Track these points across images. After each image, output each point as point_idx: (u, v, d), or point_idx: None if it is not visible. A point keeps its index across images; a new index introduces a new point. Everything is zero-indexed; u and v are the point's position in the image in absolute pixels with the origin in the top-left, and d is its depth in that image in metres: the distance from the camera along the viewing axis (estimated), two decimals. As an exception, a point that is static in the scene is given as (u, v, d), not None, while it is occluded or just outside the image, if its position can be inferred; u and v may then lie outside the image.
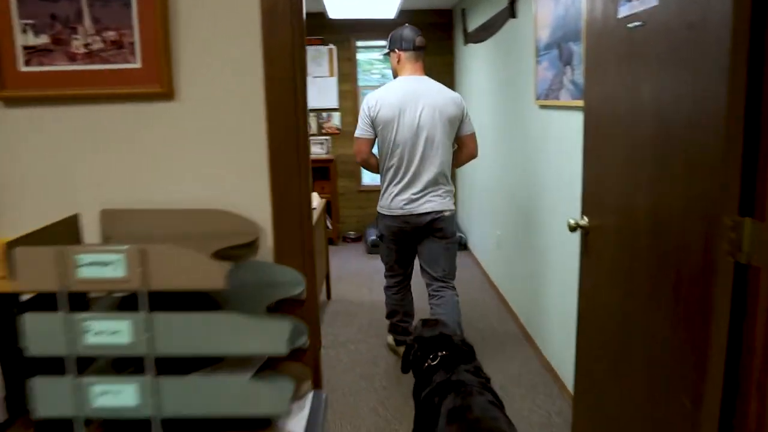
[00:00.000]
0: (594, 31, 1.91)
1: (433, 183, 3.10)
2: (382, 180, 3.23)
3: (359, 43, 6.60)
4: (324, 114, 6.55)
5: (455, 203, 3.26)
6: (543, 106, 3.20)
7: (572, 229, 2.01)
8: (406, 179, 3.10)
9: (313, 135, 6.57)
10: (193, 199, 1.37)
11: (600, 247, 1.93)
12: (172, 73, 1.33)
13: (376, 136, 3.17)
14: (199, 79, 1.35)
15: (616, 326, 1.82)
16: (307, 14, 1.50)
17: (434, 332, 2.23)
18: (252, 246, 1.32)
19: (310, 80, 6.20)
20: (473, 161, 3.36)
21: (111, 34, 1.31)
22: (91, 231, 1.33)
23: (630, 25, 1.60)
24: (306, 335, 1.22)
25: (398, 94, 3.08)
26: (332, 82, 6.47)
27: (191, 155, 1.37)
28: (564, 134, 2.87)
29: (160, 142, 1.37)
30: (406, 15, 5.73)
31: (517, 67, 3.81)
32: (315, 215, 3.78)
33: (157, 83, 1.32)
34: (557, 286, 3.08)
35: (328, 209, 6.41)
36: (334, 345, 3.76)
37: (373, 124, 3.12)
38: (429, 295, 3.27)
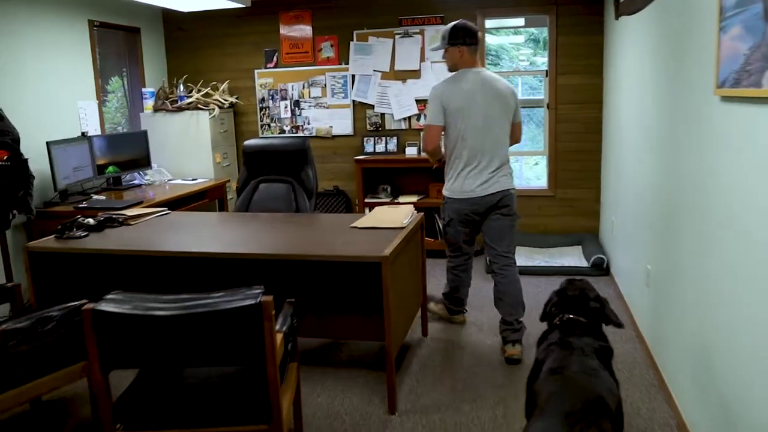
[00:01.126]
0: None
1: (501, 165, 3.43)
2: (451, 166, 3.49)
3: (488, 23, 5.64)
4: (442, 106, 5.68)
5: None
6: (728, 98, 2.11)
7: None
8: (481, 163, 3.39)
9: (429, 130, 5.73)
10: None
11: None
12: None
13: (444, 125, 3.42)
14: None
15: None
16: None
17: (574, 293, 2.27)
18: None
19: (426, 65, 5.35)
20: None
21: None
22: None
23: None
24: None
25: (468, 84, 3.36)
26: (453, 69, 5.57)
27: None
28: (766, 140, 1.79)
29: None
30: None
31: (685, 42, 2.70)
32: (406, 230, 3.10)
33: None
34: (755, 361, 1.99)
35: (443, 216, 5.55)
36: (412, 411, 2.92)
37: (445, 112, 3.37)
38: (494, 272, 3.56)
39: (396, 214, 3.38)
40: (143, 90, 5.72)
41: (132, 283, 3.20)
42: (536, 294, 4.33)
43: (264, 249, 2.86)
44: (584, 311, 2.19)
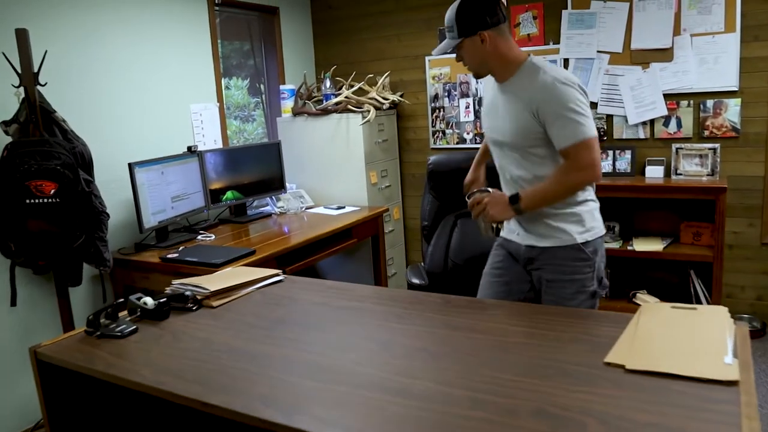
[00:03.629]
0: None
1: None
2: (584, 194, 2.03)
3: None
4: (708, 102, 3.66)
5: None
6: None
7: None
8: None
9: (686, 140, 3.74)
10: None
11: None
12: None
13: None
14: None
15: None
16: None
17: None
18: None
19: (684, 41, 3.41)
20: None
21: None
22: None
23: None
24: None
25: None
26: (729, 44, 3.54)
27: None
28: None
29: None
30: None
31: None
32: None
33: None
34: None
35: (706, 273, 3.57)
36: None
37: None
38: None
39: (695, 329, 1.55)
40: (281, 88, 4.38)
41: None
42: None
43: None
44: None
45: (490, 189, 2.05)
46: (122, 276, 3.05)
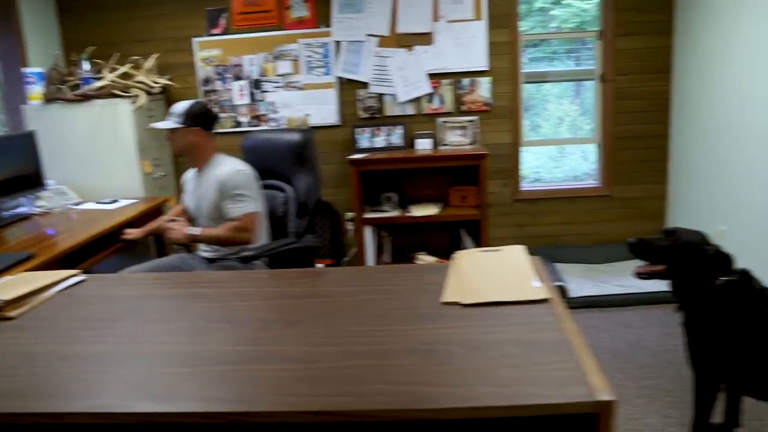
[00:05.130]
0: None
1: None
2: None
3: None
4: (464, 81, 4.14)
5: None
6: None
7: None
8: None
9: (448, 114, 4.19)
10: None
11: None
12: None
13: None
14: None
15: None
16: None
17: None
18: None
19: (441, 27, 3.80)
20: None
21: None
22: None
23: None
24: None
25: None
26: (478, 30, 4.05)
27: None
28: None
29: None
30: None
31: None
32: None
33: None
34: None
35: (473, 230, 4.06)
36: None
37: None
38: None
39: (504, 266, 1.82)
40: (24, 71, 3.81)
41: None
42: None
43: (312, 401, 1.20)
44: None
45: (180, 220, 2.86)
46: None
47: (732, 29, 3.34)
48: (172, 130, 2.83)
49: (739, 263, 2.10)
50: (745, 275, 2.09)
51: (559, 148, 5.06)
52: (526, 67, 4.28)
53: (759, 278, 2.12)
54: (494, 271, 1.78)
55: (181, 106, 2.83)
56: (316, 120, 4.26)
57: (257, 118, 4.30)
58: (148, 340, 1.48)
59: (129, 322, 1.60)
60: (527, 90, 4.38)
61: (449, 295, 1.63)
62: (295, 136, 3.14)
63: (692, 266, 2.11)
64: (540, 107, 4.88)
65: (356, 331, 1.44)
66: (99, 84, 3.81)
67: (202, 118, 2.85)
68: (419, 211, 4.06)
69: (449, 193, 4.17)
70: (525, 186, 4.38)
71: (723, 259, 2.10)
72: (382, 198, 4.18)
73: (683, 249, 2.12)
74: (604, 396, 1.07)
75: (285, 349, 1.36)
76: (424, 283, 1.74)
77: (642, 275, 2.22)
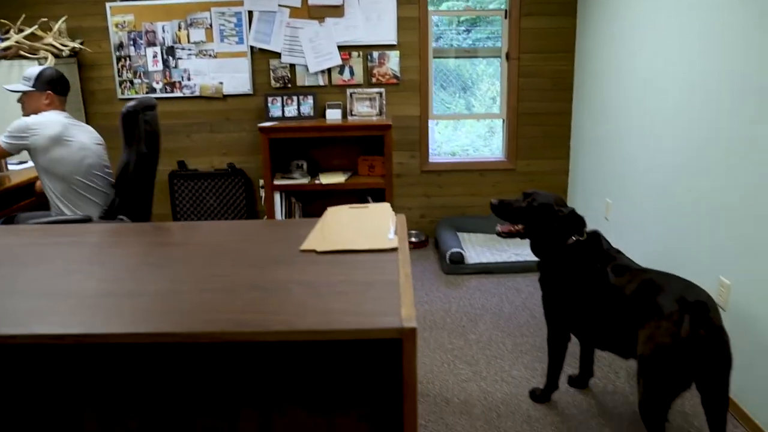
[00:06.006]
0: None
1: None
2: None
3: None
4: (374, 54, 4.27)
5: None
6: None
7: None
8: None
9: (357, 86, 4.30)
10: None
11: None
12: None
13: None
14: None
15: None
16: None
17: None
18: None
19: (351, 2, 3.91)
20: None
21: None
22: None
23: None
24: None
25: None
26: (388, 4, 4.17)
27: None
28: None
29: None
30: None
31: None
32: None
33: None
34: None
35: (380, 198, 4.20)
36: None
37: None
38: None
39: (367, 220, 1.97)
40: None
41: None
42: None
43: (155, 320, 1.32)
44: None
45: None
46: None
47: (632, 13, 3.53)
48: (24, 93, 2.97)
49: (621, 233, 2.30)
50: (595, 236, 2.28)
51: (488, 125, 5.17)
52: (440, 43, 4.43)
53: (608, 239, 2.32)
54: (355, 224, 1.93)
55: (32, 71, 2.97)
56: (228, 88, 4.33)
57: (171, 85, 4.34)
58: (28, 278, 1.57)
59: (6, 267, 1.69)
60: (461, 65, 4.53)
61: (307, 243, 1.76)
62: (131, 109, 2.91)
63: (546, 226, 2.29)
64: (470, 82, 5.00)
65: (215, 273, 1.57)
66: (5, 44, 3.79)
67: (53, 83, 2.98)
68: (328, 179, 4.18)
69: (358, 162, 4.30)
70: (433, 158, 4.54)
71: (575, 221, 2.28)
72: (292, 166, 4.29)
73: (538, 210, 2.30)
74: (408, 324, 1.23)
75: (147, 287, 1.47)
76: (292, 235, 1.87)
77: (502, 234, 2.39)
